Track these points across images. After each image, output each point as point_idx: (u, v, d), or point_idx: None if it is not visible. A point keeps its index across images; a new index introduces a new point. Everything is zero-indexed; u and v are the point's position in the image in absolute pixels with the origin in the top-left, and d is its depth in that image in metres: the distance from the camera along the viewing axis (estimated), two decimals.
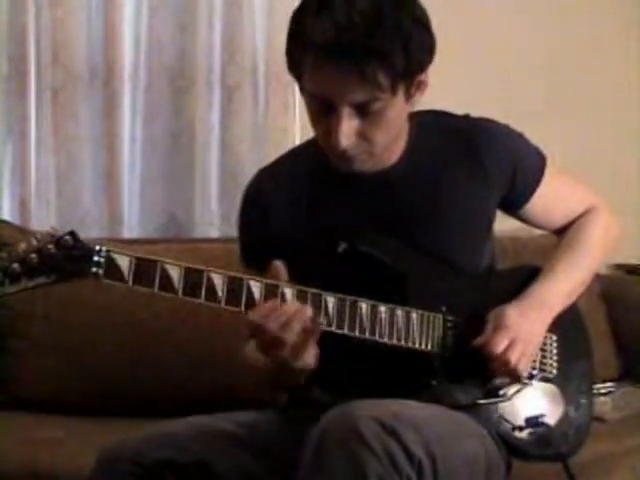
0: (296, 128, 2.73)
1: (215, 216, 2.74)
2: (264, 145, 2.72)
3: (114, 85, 2.64)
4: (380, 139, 1.46)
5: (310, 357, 1.41)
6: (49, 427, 2.12)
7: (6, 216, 2.60)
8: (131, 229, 2.71)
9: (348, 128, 1.41)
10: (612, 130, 2.99)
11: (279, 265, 1.41)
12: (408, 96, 1.46)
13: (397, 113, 1.46)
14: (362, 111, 1.41)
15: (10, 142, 2.63)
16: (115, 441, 1.50)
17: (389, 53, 1.36)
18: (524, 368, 1.54)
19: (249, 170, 2.47)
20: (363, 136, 1.44)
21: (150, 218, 2.74)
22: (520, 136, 1.65)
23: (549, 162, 1.66)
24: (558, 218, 1.73)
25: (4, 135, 2.63)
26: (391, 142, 1.52)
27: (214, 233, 2.73)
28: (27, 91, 2.59)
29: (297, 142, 2.60)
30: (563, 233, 1.73)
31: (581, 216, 1.74)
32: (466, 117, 1.63)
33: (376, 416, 1.26)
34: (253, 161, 2.65)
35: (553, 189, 1.67)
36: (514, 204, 1.66)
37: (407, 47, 1.37)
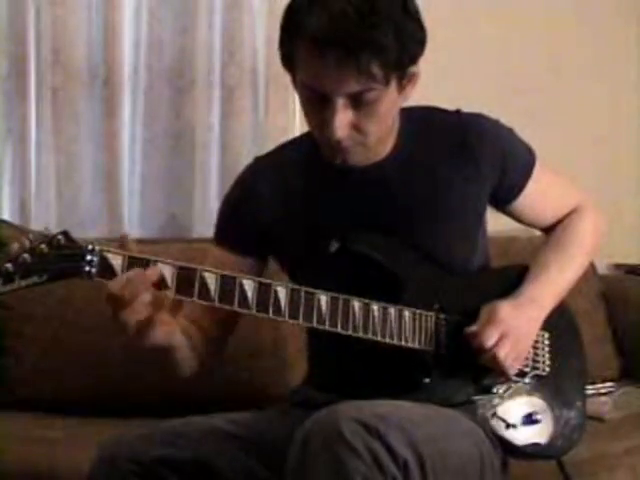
0: (296, 128, 2.73)
1: (215, 216, 2.74)
2: (264, 145, 2.70)
3: (114, 85, 2.65)
4: (373, 130, 1.47)
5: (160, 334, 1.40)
6: (49, 427, 2.12)
7: (6, 216, 2.59)
8: (131, 229, 2.70)
9: (342, 119, 1.41)
10: (611, 130, 2.99)
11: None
12: (400, 88, 1.46)
13: (390, 105, 1.46)
14: (356, 102, 1.41)
15: (10, 142, 2.63)
16: (114, 437, 1.49)
17: (383, 44, 1.36)
18: (513, 363, 1.53)
19: None
20: (357, 128, 1.45)
21: (150, 218, 2.74)
22: (510, 131, 1.65)
23: (543, 161, 1.66)
24: (547, 216, 1.73)
25: (4, 135, 2.63)
26: (384, 134, 1.52)
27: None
28: (27, 91, 2.59)
29: None
30: (551, 231, 1.74)
31: (569, 214, 1.74)
32: (457, 112, 1.63)
33: (358, 417, 1.26)
34: None
35: (542, 186, 1.67)
36: (503, 200, 1.65)
37: (400, 38, 1.38)
